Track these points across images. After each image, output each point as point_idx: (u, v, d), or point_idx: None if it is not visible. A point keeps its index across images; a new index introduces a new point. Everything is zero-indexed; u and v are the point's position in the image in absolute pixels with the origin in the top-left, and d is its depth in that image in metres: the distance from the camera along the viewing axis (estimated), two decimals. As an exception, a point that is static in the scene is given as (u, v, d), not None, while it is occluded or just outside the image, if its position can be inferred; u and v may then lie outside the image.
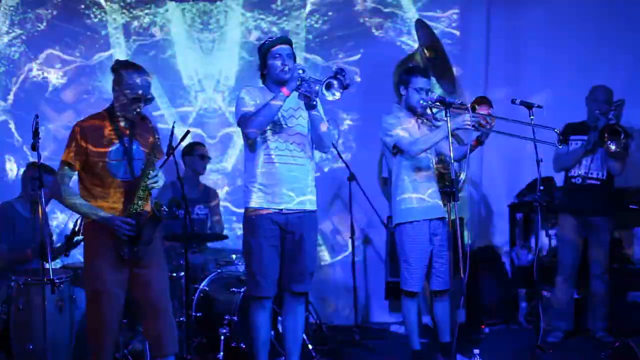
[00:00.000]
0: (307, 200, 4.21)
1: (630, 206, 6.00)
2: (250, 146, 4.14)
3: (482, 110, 4.59)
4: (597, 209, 5.58)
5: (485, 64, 6.72)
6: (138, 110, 3.81)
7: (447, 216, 4.71)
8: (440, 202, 4.76)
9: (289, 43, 4.19)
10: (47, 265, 3.91)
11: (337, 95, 3.85)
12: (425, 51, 6.17)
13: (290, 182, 4.12)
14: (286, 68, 4.09)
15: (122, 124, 3.86)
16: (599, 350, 5.13)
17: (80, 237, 4.84)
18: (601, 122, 5.43)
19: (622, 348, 4.46)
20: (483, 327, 6.11)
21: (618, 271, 5.97)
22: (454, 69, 6.41)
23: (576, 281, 5.70)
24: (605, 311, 5.66)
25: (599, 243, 5.62)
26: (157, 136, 3.95)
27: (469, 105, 4.49)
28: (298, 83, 3.95)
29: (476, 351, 4.17)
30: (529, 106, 4.69)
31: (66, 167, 3.84)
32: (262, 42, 4.23)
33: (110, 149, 3.81)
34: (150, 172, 3.83)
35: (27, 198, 4.98)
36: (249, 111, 4.07)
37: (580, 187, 5.58)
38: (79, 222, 4.74)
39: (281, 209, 4.12)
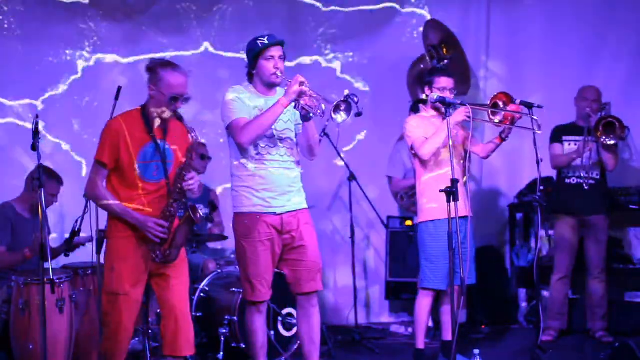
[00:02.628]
0: (298, 201, 4.16)
1: (630, 206, 6.00)
2: (240, 150, 4.06)
3: (511, 107, 4.66)
4: (592, 208, 5.59)
5: (485, 64, 6.72)
6: (175, 109, 3.75)
7: (469, 215, 4.73)
8: (463, 201, 4.74)
9: (282, 44, 4.09)
10: (47, 265, 3.91)
11: (346, 118, 3.75)
12: (443, 49, 6.17)
13: (281, 185, 4.06)
14: (278, 72, 4.01)
15: (155, 124, 3.80)
16: (599, 350, 5.15)
17: (79, 239, 4.86)
18: (592, 120, 5.44)
19: (622, 348, 4.46)
20: (483, 327, 6.12)
21: (618, 271, 5.97)
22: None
23: (571, 281, 5.71)
24: (604, 311, 5.66)
25: (596, 242, 5.63)
26: (193, 137, 3.79)
27: (490, 101, 4.70)
28: (296, 97, 3.85)
29: (476, 351, 4.17)
30: (529, 106, 4.70)
31: (99, 166, 3.79)
32: (254, 39, 4.09)
33: (141, 148, 3.76)
34: (186, 174, 3.78)
35: (28, 199, 4.98)
36: (240, 118, 3.97)
37: (575, 187, 5.59)
38: (79, 222, 4.76)
39: (274, 212, 4.06)
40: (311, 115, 3.90)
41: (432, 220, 4.73)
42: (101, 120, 4.12)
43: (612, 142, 5.36)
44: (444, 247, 4.67)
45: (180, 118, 3.77)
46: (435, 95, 4.47)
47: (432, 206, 4.72)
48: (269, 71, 4.02)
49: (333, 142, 5.82)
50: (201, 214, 3.84)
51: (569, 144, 5.62)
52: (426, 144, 4.68)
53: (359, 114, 3.76)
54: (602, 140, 5.36)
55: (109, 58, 6.26)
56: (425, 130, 4.75)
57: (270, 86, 4.06)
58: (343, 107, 3.75)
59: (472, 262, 4.84)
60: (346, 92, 3.77)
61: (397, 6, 6.65)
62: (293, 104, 3.91)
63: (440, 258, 4.69)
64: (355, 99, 3.74)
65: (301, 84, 3.85)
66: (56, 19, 6.14)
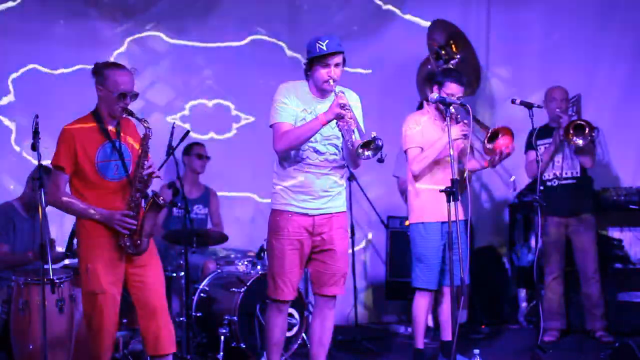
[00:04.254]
0: (334, 205, 4.12)
1: (630, 206, 6.00)
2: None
3: (504, 139, 4.67)
4: (576, 208, 5.60)
5: (485, 64, 6.72)
6: (124, 106, 3.85)
7: (463, 218, 4.72)
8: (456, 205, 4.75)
9: (341, 52, 3.99)
10: (47, 266, 3.91)
11: (370, 157, 3.78)
12: (452, 47, 6.15)
13: (317, 189, 4.04)
14: (330, 81, 3.96)
15: (108, 124, 3.90)
16: (599, 350, 5.15)
17: None
18: (563, 120, 5.45)
19: (622, 348, 4.47)
20: (483, 327, 6.12)
21: (618, 271, 5.97)
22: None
23: (564, 280, 5.70)
24: (602, 311, 5.66)
25: (584, 243, 5.63)
26: (146, 125, 3.86)
27: (491, 129, 4.70)
28: (334, 118, 3.85)
29: (476, 351, 4.17)
30: (529, 106, 4.71)
31: (58, 171, 3.87)
32: (314, 40, 3.99)
33: (98, 149, 3.85)
34: (145, 162, 3.85)
35: (28, 199, 4.97)
36: (283, 123, 3.96)
37: (558, 187, 5.60)
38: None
39: (307, 213, 4.04)
40: (346, 139, 3.89)
41: (423, 223, 4.75)
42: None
43: (580, 141, 5.38)
44: (433, 247, 4.71)
45: (130, 113, 3.86)
46: (435, 95, 4.44)
47: (423, 208, 4.74)
48: (322, 78, 3.98)
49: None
50: (164, 199, 3.90)
51: (545, 147, 5.61)
52: (420, 161, 4.70)
53: (381, 160, 3.78)
54: (572, 140, 5.39)
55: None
56: (423, 131, 4.73)
57: (323, 92, 4.05)
58: (372, 146, 3.77)
59: (466, 263, 4.82)
60: (373, 134, 3.75)
61: (396, 10, 6.67)
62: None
63: (430, 258, 4.72)
64: (380, 143, 3.75)
65: (342, 107, 3.83)
66: (56, 19, 6.15)
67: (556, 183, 5.62)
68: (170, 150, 5.02)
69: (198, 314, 5.10)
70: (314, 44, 3.97)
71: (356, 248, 6.10)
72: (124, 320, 4.67)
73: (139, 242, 3.84)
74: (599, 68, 6.46)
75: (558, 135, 5.48)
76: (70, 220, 5.01)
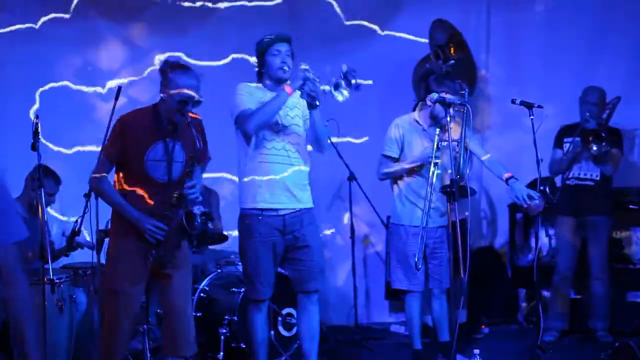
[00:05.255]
0: (303, 199, 4.16)
1: (630, 206, 6.00)
2: (247, 144, 4.06)
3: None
4: (593, 208, 5.60)
5: (485, 64, 6.71)
6: (184, 113, 3.69)
7: (446, 222, 4.73)
8: (438, 210, 4.75)
9: (289, 41, 4.09)
10: (47, 265, 3.91)
11: (346, 94, 3.77)
12: (450, 50, 6.15)
13: (286, 183, 4.06)
14: (285, 67, 4.01)
15: (165, 123, 3.77)
16: (599, 350, 5.15)
17: (84, 242, 4.85)
18: (590, 124, 5.43)
19: (622, 348, 4.47)
20: (483, 327, 6.12)
21: (618, 271, 5.97)
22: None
23: (573, 281, 5.71)
24: (605, 311, 5.66)
25: (597, 243, 5.63)
26: (201, 142, 3.74)
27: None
28: (302, 82, 3.87)
29: (476, 351, 4.17)
30: (529, 106, 4.69)
31: (105, 159, 3.77)
32: (261, 39, 4.11)
33: (150, 147, 3.74)
34: (188, 180, 3.76)
35: (27, 199, 4.98)
36: (248, 108, 3.98)
37: (576, 187, 5.60)
38: (79, 222, 4.76)
39: (277, 210, 4.07)
40: (317, 103, 3.89)
41: (403, 225, 4.77)
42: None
43: (595, 149, 5.38)
44: (412, 251, 4.69)
45: (188, 125, 3.68)
46: (434, 95, 4.41)
47: (404, 211, 4.77)
48: (275, 65, 4.02)
49: (332, 142, 5.83)
50: (198, 222, 3.81)
51: (569, 144, 5.61)
52: (385, 173, 4.79)
53: (357, 88, 3.78)
54: (589, 147, 5.39)
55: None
56: (404, 139, 4.75)
57: (279, 82, 4.05)
58: (343, 84, 3.77)
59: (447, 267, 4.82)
60: (344, 67, 3.76)
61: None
62: (299, 92, 3.92)
63: (410, 261, 4.72)
64: (354, 74, 3.76)
65: (305, 70, 3.86)
66: (58, 18, 6.15)
67: (574, 182, 5.62)
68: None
69: (198, 314, 5.10)
70: (261, 40, 4.08)
71: (356, 248, 6.10)
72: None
73: (162, 254, 3.78)
74: (598, 68, 6.45)
75: (575, 142, 5.49)
76: (69, 222, 5.02)
